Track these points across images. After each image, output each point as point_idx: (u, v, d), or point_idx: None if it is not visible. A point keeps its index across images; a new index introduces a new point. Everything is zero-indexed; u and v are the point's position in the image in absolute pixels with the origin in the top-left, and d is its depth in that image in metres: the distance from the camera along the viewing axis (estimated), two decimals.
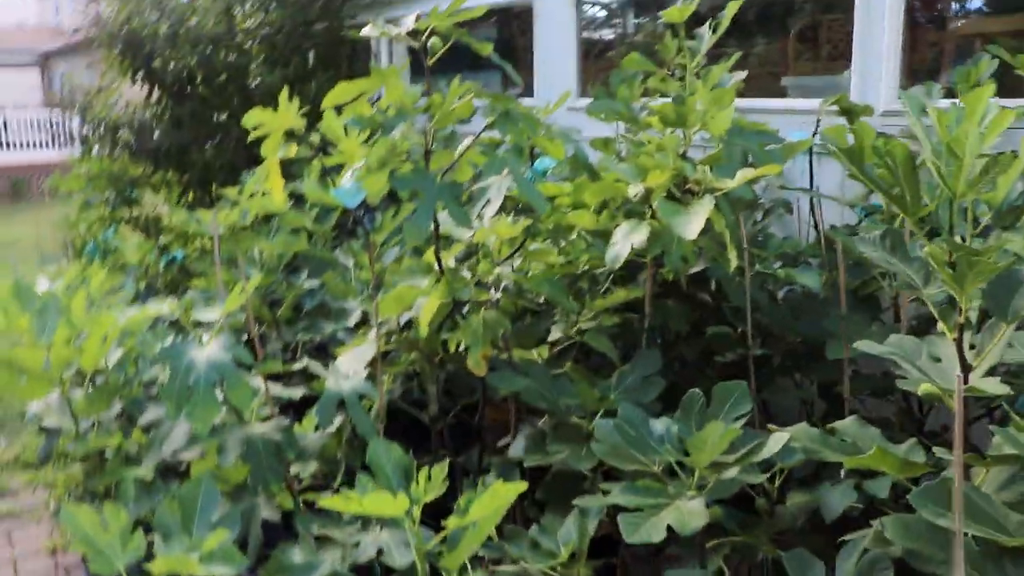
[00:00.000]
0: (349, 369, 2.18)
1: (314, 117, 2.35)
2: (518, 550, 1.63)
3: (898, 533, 1.26)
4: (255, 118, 2.19)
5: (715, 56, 2.64)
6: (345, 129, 2.19)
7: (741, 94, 2.46)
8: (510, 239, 2.17)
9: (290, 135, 2.41)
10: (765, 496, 1.75)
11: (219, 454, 2.07)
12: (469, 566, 1.58)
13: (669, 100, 2.38)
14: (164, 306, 2.34)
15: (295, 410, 2.55)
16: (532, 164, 2.84)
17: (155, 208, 6.00)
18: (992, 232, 1.67)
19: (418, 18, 2.09)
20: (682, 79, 2.66)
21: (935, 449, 1.43)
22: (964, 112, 1.30)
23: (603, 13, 5.60)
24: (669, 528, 1.42)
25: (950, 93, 2.61)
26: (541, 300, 2.43)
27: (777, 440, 1.46)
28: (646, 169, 2.12)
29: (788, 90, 4.73)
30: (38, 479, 3.99)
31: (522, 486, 1.37)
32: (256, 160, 2.49)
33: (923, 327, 2.10)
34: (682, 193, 2.16)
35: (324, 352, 3.14)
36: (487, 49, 2.03)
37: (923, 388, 1.37)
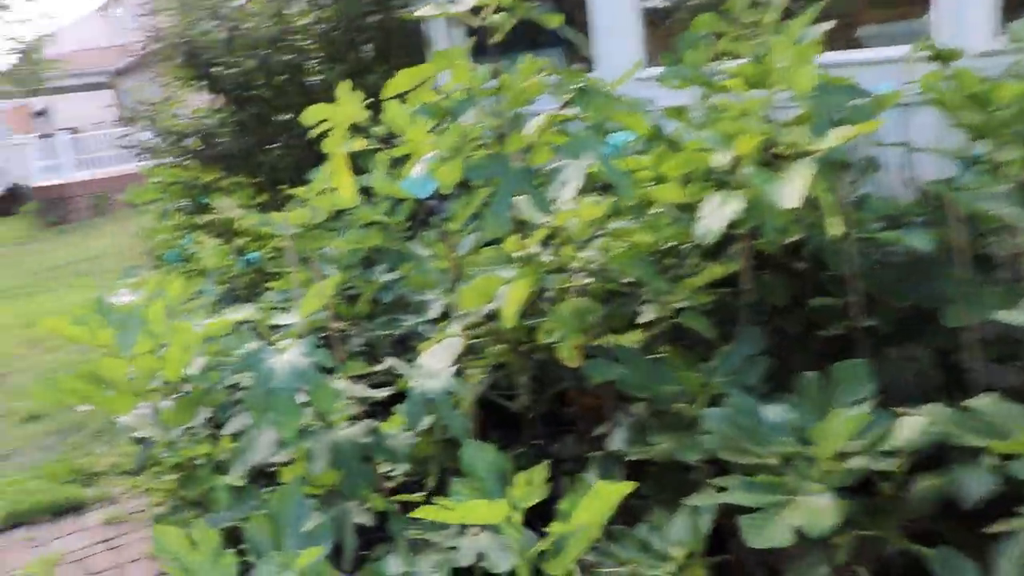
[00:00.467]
0: (434, 365, 2.11)
1: (376, 109, 2.28)
2: (626, 552, 1.54)
3: None
4: (315, 113, 2.12)
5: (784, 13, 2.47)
6: (411, 119, 2.11)
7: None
8: (591, 220, 2.06)
9: (355, 129, 2.35)
10: (890, 480, 1.60)
11: (308, 461, 2.03)
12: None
13: (742, 62, 2.23)
14: (241, 312, 2.31)
15: (384, 406, 2.50)
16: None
17: (228, 212, 6.07)
18: None
19: None
20: (755, 38, 2.50)
21: None
22: None
23: None
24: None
25: None
26: (625, 280, 2.31)
27: (911, 426, 1.32)
28: (731, 135, 1.99)
29: (864, 40, 4.48)
30: (137, 485, 4.07)
31: (628, 487, 1.27)
32: (322, 158, 2.44)
33: None
34: (771, 158, 2.02)
35: (404, 345, 3.09)
36: (556, 21, 1.91)
37: None
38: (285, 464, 2.25)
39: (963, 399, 1.57)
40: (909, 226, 2.24)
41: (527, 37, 2.13)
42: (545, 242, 2.15)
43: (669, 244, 2.28)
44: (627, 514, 1.98)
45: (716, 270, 2.03)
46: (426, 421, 2.19)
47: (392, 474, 2.35)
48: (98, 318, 2.42)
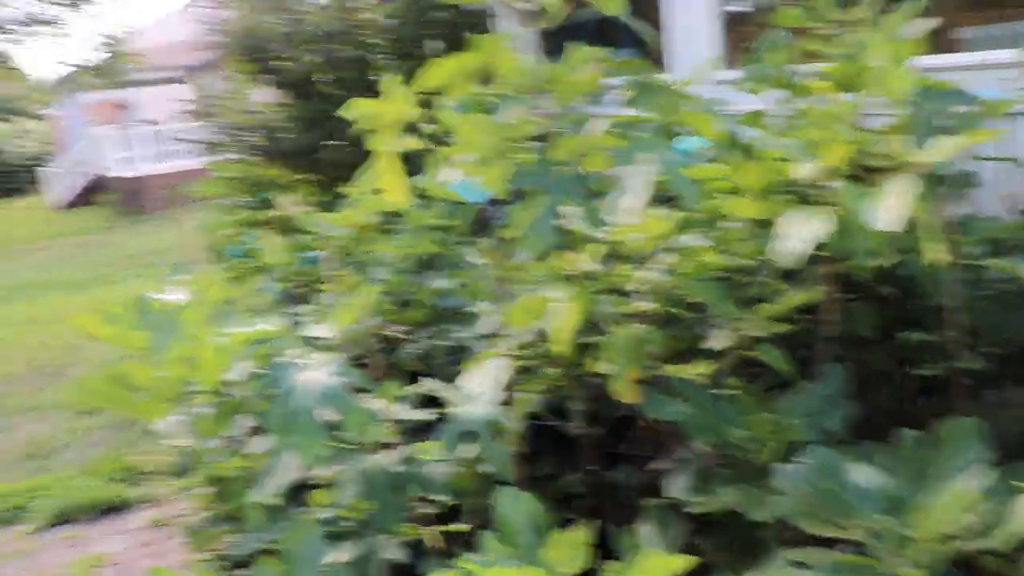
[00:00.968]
0: (478, 389, 1.93)
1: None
2: None
3: None
4: (361, 108, 1.95)
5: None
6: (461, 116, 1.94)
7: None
8: (655, 235, 1.85)
9: (411, 128, 2.19)
10: (996, 555, 1.36)
11: (336, 488, 1.87)
12: None
13: (829, 64, 1.99)
14: (269, 324, 2.17)
15: (431, 426, 2.34)
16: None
17: (289, 209, 6.02)
18: None
19: None
20: (843, 37, 2.25)
21: None
22: None
23: None
24: None
25: None
26: (689, 302, 2.10)
27: None
28: (816, 144, 1.76)
29: (963, 43, 4.14)
30: (184, 487, 4.00)
31: (687, 562, 1.07)
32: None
33: None
34: (862, 171, 1.78)
35: (464, 353, 2.92)
36: (615, 5, 1.70)
37: None
38: (315, 486, 2.09)
39: None
40: (1018, 252, 1.97)
41: (599, 42, 1.93)
42: (602, 260, 1.95)
43: (740, 264, 2.06)
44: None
45: (797, 297, 1.79)
46: (467, 449, 2.01)
47: (433, 498, 2.18)
48: (131, 318, 2.31)
